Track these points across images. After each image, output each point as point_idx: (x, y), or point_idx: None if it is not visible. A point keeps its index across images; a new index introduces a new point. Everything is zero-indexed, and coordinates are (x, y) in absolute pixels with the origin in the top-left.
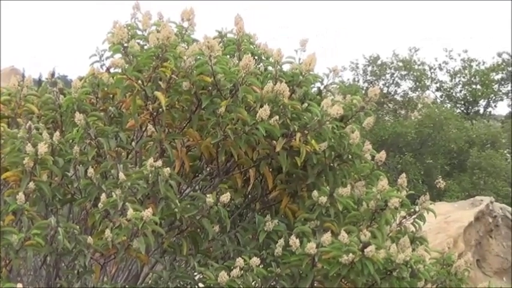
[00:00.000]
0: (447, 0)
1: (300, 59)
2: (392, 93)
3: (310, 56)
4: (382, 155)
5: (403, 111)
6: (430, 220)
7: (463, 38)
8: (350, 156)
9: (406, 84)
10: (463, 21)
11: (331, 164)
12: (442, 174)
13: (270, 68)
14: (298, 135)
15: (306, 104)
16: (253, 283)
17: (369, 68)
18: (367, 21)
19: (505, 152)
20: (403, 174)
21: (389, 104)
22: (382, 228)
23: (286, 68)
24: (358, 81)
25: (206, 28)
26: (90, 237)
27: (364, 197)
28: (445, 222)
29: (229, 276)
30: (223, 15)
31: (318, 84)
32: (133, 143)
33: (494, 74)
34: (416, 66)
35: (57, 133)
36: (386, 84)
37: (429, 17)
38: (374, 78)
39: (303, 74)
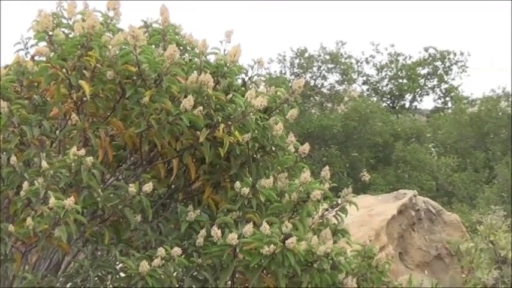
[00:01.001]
0: None
1: (225, 51)
2: (319, 86)
3: (235, 47)
4: (305, 148)
5: (329, 104)
6: (353, 213)
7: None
8: (273, 148)
9: (333, 78)
10: (390, 15)
11: (254, 156)
12: (367, 168)
13: (195, 58)
14: (222, 126)
15: (230, 95)
16: (174, 273)
17: (296, 61)
18: (296, 14)
19: (430, 146)
20: (326, 167)
21: (315, 97)
22: (303, 220)
23: (211, 59)
24: (285, 73)
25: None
26: (11, 225)
27: (287, 188)
28: (369, 215)
29: (151, 265)
30: (223, 15)
31: (243, 76)
32: (57, 132)
33: (420, 68)
34: (343, 60)
35: None
36: (313, 77)
37: (357, 11)
38: (301, 70)
39: (228, 65)
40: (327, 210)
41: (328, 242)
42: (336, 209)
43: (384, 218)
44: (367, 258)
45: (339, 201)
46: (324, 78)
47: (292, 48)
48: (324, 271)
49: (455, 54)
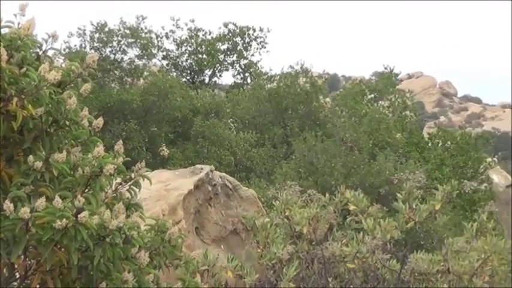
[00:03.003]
0: None
1: (19, 24)
2: (119, 60)
3: (29, 20)
4: (99, 122)
5: (129, 79)
6: (151, 187)
7: (191, 8)
8: (67, 122)
9: (133, 52)
10: None
11: (48, 130)
12: (166, 142)
13: None
14: (15, 99)
15: (24, 69)
16: None
17: (96, 35)
18: None
19: (229, 121)
20: (120, 141)
21: (115, 71)
22: (96, 194)
23: (5, 32)
24: (85, 47)
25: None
26: None
27: (80, 162)
28: (165, 190)
29: None
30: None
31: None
32: None
33: (220, 44)
34: (143, 35)
35: None
36: (113, 52)
37: None
38: (101, 45)
39: (22, 38)
40: (120, 184)
41: (121, 216)
42: (129, 183)
43: (180, 193)
44: (160, 232)
45: (132, 176)
46: (124, 52)
47: (92, 22)
48: (117, 245)
49: (254, 30)
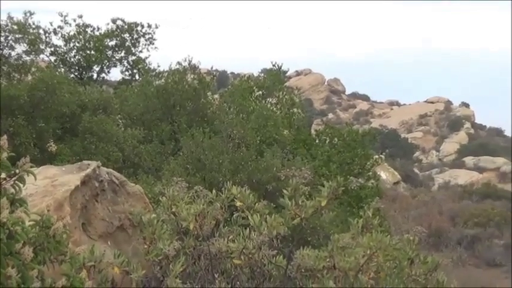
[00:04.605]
0: None
1: None
2: (7, 56)
3: None
4: None
5: (17, 75)
6: (38, 183)
7: (79, 5)
8: None
9: (21, 48)
10: None
11: None
12: (54, 138)
13: None
14: None
15: None
16: None
17: None
18: None
19: (117, 117)
20: (5, 136)
21: (3, 67)
22: None
23: None
24: None
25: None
26: None
27: None
28: (52, 185)
29: None
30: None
31: None
32: None
33: (108, 40)
34: (31, 30)
35: None
36: (1, 47)
37: None
38: None
39: None
40: (5, 179)
41: (4, 212)
42: (13, 179)
43: (67, 189)
44: (45, 228)
45: (17, 171)
46: (12, 48)
47: None
48: (1, 241)
49: (142, 27)
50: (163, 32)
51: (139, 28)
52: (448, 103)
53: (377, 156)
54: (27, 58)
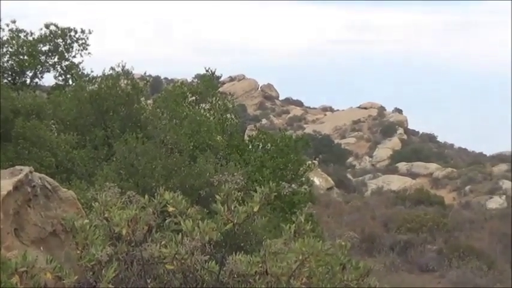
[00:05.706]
0: None
1: None
2: None
3: None
4: None
5: None
6: None
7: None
8: None
9: None
10: None
11: None
12: None
13: None
14: None
15: None
16: None
17: None
18: None
19: (51, 122)
20: None
21: None
22: None
23: None
24: None
25: None
26: None
27: None
28: None
29: None
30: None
31: None
32: None
33: (41, 45)
34: None
35: None
36: None
37: None
38: None
39: None
40: None
41: None
42: None
43: None
44: None
45: None
46: None
47: None
48: None
49: (76, 32)
50: (98, 36)
51: (72, 33)
52: (381, 109)
53: (310, 162)
54: None
